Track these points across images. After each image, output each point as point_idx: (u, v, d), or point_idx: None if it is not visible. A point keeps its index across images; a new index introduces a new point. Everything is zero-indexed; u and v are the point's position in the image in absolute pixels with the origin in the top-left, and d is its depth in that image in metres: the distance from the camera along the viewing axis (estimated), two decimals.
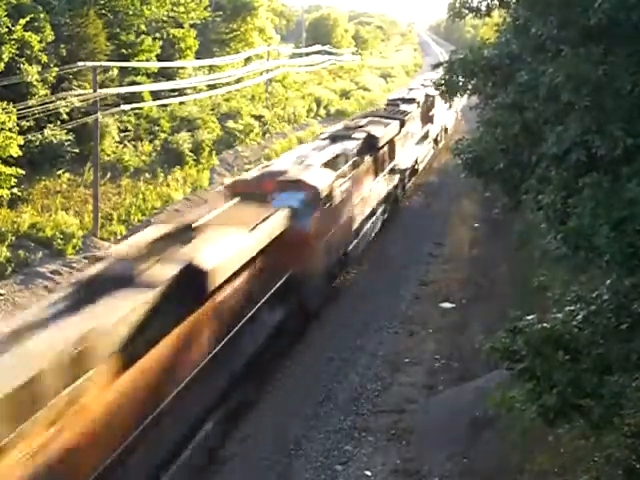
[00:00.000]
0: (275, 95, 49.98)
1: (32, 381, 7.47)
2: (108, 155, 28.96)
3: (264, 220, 14.17)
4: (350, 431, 13.33)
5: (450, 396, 14.19)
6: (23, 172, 23.38)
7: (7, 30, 25.44)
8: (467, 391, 13.71)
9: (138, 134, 32.31)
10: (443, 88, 9.59)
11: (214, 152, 35.15)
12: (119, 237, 24.08)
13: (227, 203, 15.12)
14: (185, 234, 12.01)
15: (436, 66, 9.82)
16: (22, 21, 26.14)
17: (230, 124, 39.36)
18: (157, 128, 33.46)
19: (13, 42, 25.66)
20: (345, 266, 20.21)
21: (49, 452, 7.74)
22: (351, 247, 20.19)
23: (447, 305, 19.33)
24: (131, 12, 35.54)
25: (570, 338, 6.87)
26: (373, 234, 23.21)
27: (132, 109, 29.57)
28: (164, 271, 10.41)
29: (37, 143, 25.73)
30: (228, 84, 39.42)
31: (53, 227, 22.39)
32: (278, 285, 14.48)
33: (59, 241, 22.01)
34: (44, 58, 27.34)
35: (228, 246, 12.32)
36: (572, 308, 7.28)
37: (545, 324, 7.08)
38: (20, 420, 7.34)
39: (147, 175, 29.65)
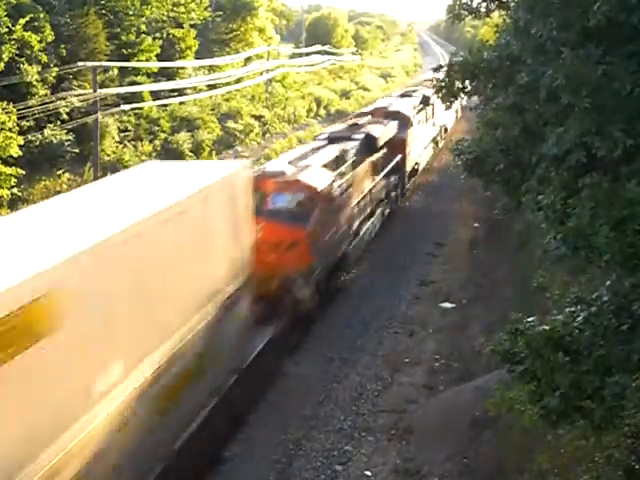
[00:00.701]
0: (275, 95, 50.01)
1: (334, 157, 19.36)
2: (108, 155, 29.00)
3: (386, 125, 25.24)
4: (350, 431, 13.35)
5: (450, 396, 14.20)
6: (23, 172, 23.41)
7: (7, 30, 25.46)
8: (467, 391, 13.72)
9: (138, 134, 32.35)
10: (444, 91, 9.60)
11: (214, 152, 35.19)
12: None
13: (366, 117, 26.60)
14: (357, 125, 24.34)
15: (436, 69, 9.81)
16: (22, 21, 26.17)
17: (230, 124, 39.42)
18: (157, 128, 33.49)
19: (13, 42, 25.68)
20: (417, 169, 32.49)
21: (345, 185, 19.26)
22: (421, 159, 33.09)
23: (447, 305, 19.35)
24: (131, 12, 35.56)
25: (571, 340, 6.87)
26: (428, 158, 35.72)
27: (132, 109, 29.62)
28: (359, 135, 22.38)
29: (37, 143, 25.78)
30: (228, 84, 39.48)
31: None
32: (393, 163, 25.48)
33: None
34: (44, 58, 27.38)
35: (381, 130, 24.06)
36: (572, 309, 7.29)
37: (545, 326, 7.09)
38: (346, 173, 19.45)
39: None
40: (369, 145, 22.33)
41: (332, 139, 21.52)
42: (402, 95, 34.77)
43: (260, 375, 13.34)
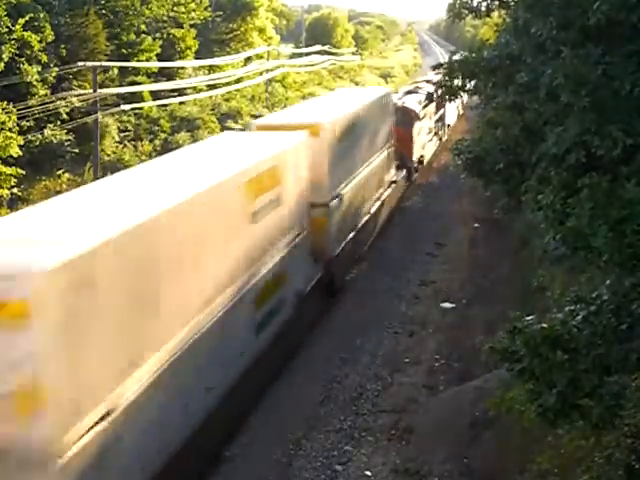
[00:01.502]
0: (275, 95, 50.01)
1: (416, 100, 32.45)
2: (108, 155, 28.99)
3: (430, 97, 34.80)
4: (350, 431, 13.34)
5: (450, 396, 14.19)
6: (23, 172, 23.40)
7: (7, 30, 25.46)
8: (467, 391, 13.71)
9: (138, 134, 32.35)
10: (443, 89, 9.58)
11: None
12: None
13: (422, 83, 37.88)
14: (419, 87, 35.40)
15: (435, 67, 9.80)
16: (21, 21, 26.15)
17: (230, 124, 39.38)
18: (157, 128, 33.49)
19: (13, 42, 25.67)
20: (449, 125, 44.34)
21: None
22: (450, 120, 44.63)
23: (447, 305, 19.34)
24: (131, 12, 35.56)
25: (569, 338, 6.86)
26: (454, 120, 46.54)
27: (132, 109, 29.60)
28: (423, 91, 33.92)
29: (37, 143, 25.77)
30: (228, 84, 39.46)
31: None
32: (440, 113, 38.09)
33: None
34: (44, 58, 27.37)
35: (425, 95, 33.84)
36: (572, 308, 7.28)
37: (544, 324, 7.08)
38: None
39: None
40: (429, 98, 33.64)
41: (407, 92, 34.10)
42: (437, 73, 49.39)
43: (399, 186, 27.83)
